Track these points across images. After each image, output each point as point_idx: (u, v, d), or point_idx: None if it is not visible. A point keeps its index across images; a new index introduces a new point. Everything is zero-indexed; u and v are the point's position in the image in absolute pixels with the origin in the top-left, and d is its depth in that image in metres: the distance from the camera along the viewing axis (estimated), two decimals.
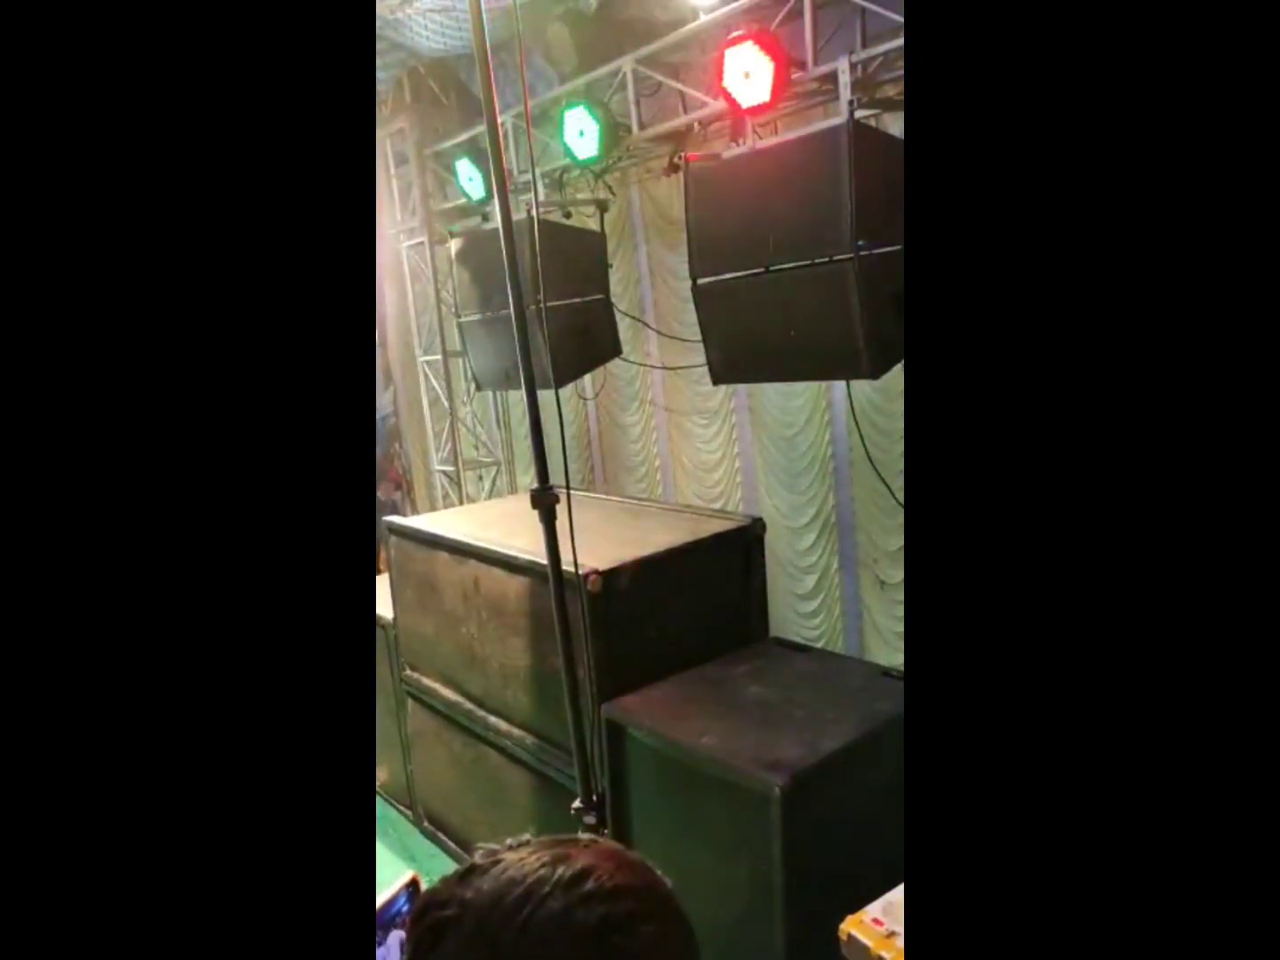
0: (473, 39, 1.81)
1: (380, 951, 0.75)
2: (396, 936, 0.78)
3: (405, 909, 0.78)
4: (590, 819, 2.30)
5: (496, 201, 1.89)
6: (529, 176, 3.77)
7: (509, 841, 0.65)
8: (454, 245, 4.37)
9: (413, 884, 0.78)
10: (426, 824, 3.98)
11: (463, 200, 4.75)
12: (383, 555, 3.91)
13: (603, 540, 3.03)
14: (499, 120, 1.86)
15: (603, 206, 4.12)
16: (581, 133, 3.78)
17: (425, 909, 0.63)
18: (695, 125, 3.55)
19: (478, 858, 0.64)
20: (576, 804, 2.35)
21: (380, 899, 0.77)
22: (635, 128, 3.71)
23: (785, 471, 4.39)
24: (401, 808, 4.18)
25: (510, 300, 1.91)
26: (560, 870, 0.60)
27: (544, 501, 2.15)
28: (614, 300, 4.13)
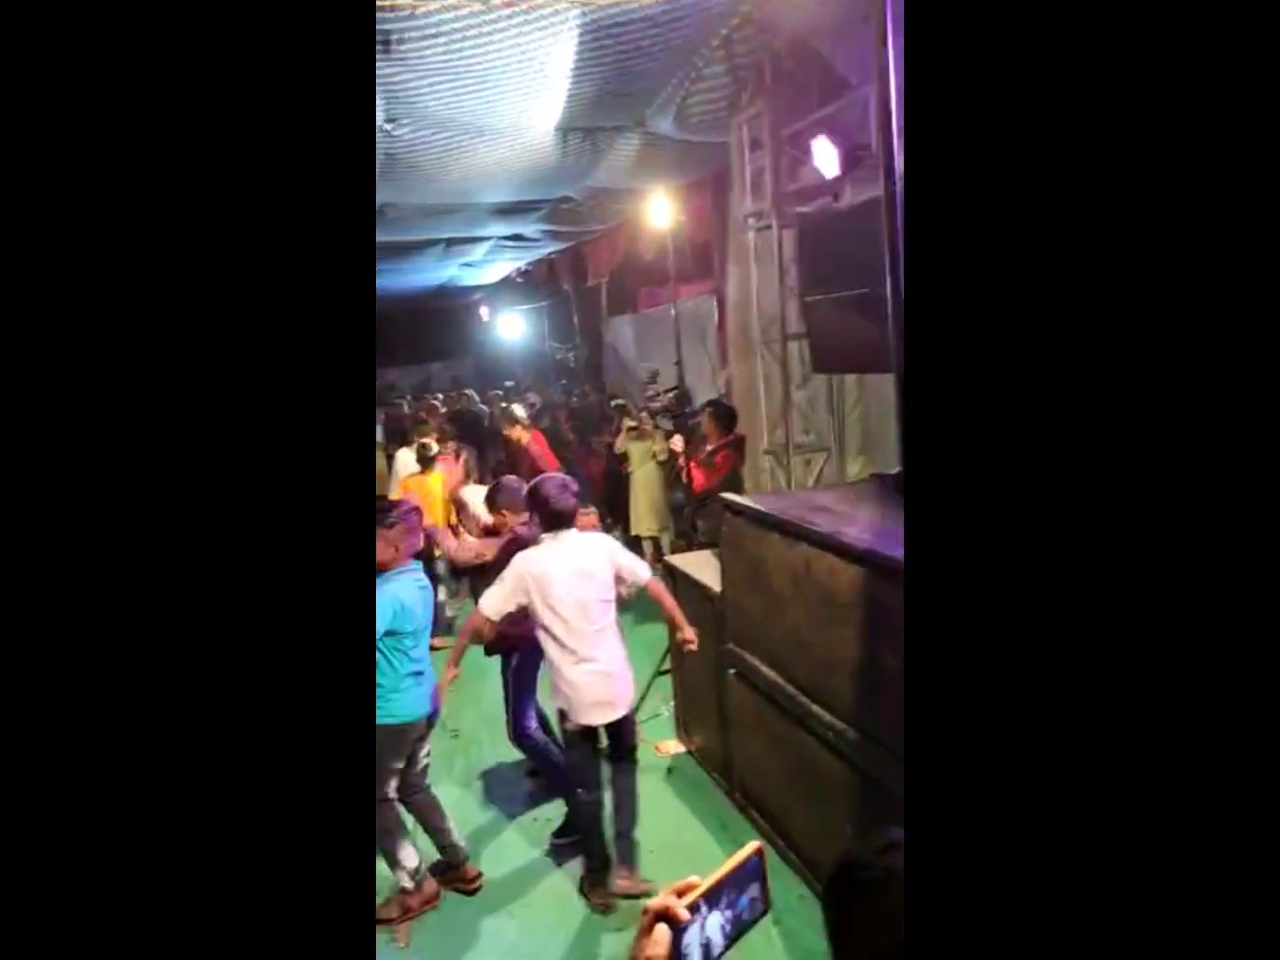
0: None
1: (729, 913, 0.79)
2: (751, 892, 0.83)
3: (754, 873, 0.81)
4: None
5: (882, 176, 1.81)
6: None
7: None
8: (803, 225, 4.34)
9: (758, 853, 0.81)
10: (738, 796, 4.08)
11: (811, 180, 4.69)
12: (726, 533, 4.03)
13: None
14: (892, 92, 1.77)
15: None
16: None
17: (847, 869, 0.71)
18: None
19: (893, 836, 0.71)
20: None
21: (731, 863, 0.81)
22: None
23: None
24: (716, 775, 4.33)
25: (889, 280, 1.83)
26: None
27: None
28: None
